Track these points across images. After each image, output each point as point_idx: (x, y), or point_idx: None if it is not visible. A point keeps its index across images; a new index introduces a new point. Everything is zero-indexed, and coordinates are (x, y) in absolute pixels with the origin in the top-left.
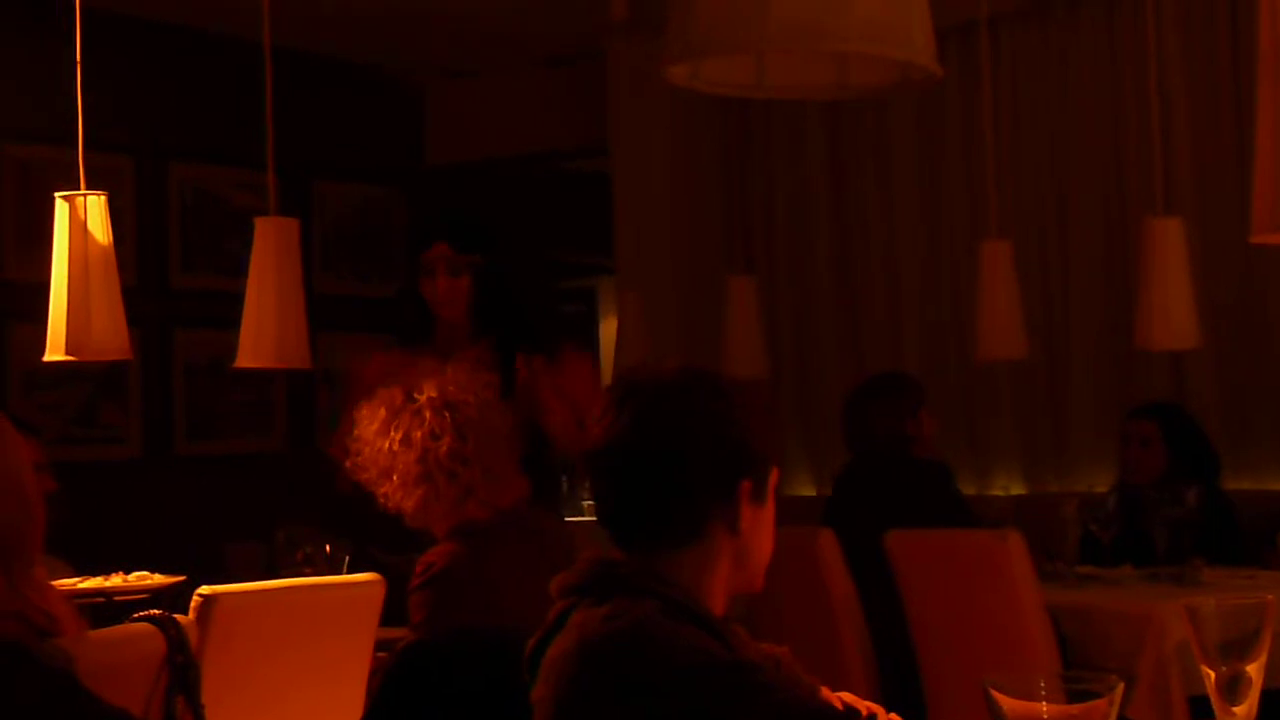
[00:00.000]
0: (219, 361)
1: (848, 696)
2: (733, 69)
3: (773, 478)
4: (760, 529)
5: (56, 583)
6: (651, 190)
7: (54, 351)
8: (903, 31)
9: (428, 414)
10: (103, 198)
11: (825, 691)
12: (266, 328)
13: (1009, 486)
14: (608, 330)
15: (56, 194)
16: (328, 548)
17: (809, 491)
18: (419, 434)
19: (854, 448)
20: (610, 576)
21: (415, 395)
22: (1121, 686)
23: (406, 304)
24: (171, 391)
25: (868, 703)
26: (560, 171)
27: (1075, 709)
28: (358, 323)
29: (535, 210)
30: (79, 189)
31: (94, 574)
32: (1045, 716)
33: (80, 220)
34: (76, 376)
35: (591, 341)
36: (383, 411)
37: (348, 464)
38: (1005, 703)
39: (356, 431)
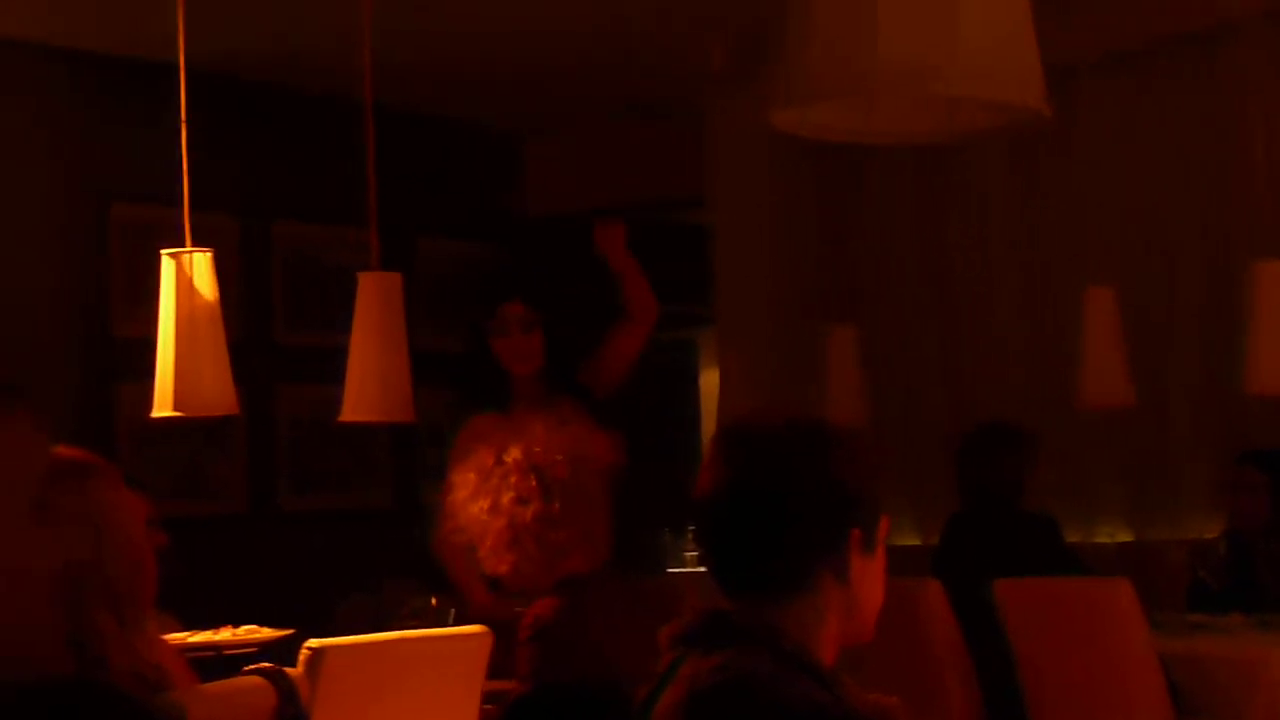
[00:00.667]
0: (322, 416)
1: None
2: (840, 114)
3: (882, 527)
4: (870, 578)
5: (166, 637)
6: (750, 240)
7: (161, 408)
8: (1011, 73)
9: (514, 477)
10: (208, 254)
11: None
12: (370, 382)
13: (1114, 534)
14: (708, 381)
15: (163, 251)
16: (434, 600)
17: (913, 540)
18: (506, 499)
19: (965, 497)
20: (720, 627)
21: (504, 458)
22: None
23: (479, 364)
24: (275, 446)
25: None
26: (659, 224)
27: None
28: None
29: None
30: (184, 247)
31: (202, 628)
32: None
33: (186, 277)
34: (183, 433)
35: (691, 394)
36: (473, 476)
37: (448, 527)
38: None
39: (451, 496)
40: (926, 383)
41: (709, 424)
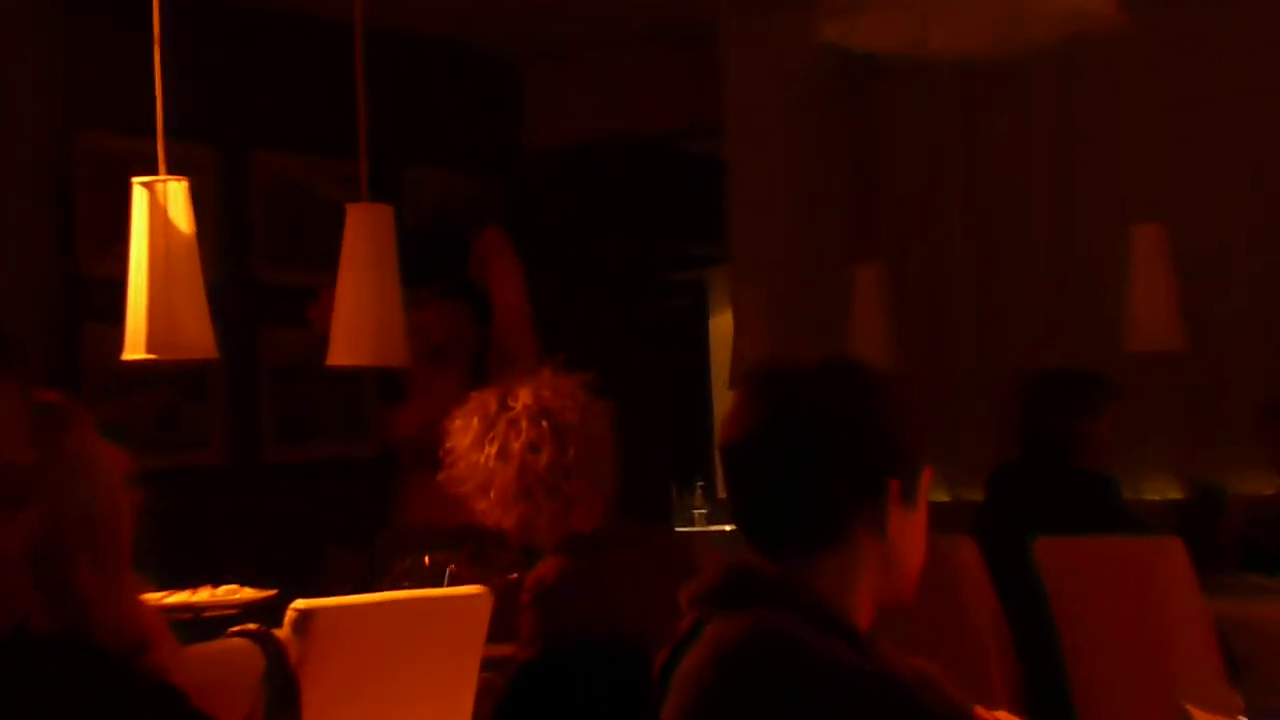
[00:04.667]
0: (307, 361)
1: (1004, 716)
2: (894, 25)
3: (924, 479)
4: (910, 534)
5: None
6: (769, 173)
7: (133, 350)
8: None
9: (524, 423)
10: (184, 184)
11: (980, 711)
12: (361, 323)
13: (1164, 491)
14: (719, 326)
15: (135, 180)
16: (427, 559)
17: (942, 497)
18: (516, 445)
19: (1024, 449)
20: (747, 585)
21: (510, 402)
22: None
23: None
24: (257, 393)
25: None
26: (669, 156)
27: None
28: None
29: (640, 197)
30: (158, 176)
31: (179, 588)
32: None
33: (160, 208)
34: (156, 378)
35: (701, 339)
36: (476, 422)
37: (440, 476)
38: None
39: (450, 443)
40: (958, 328)
41: (719, 372)
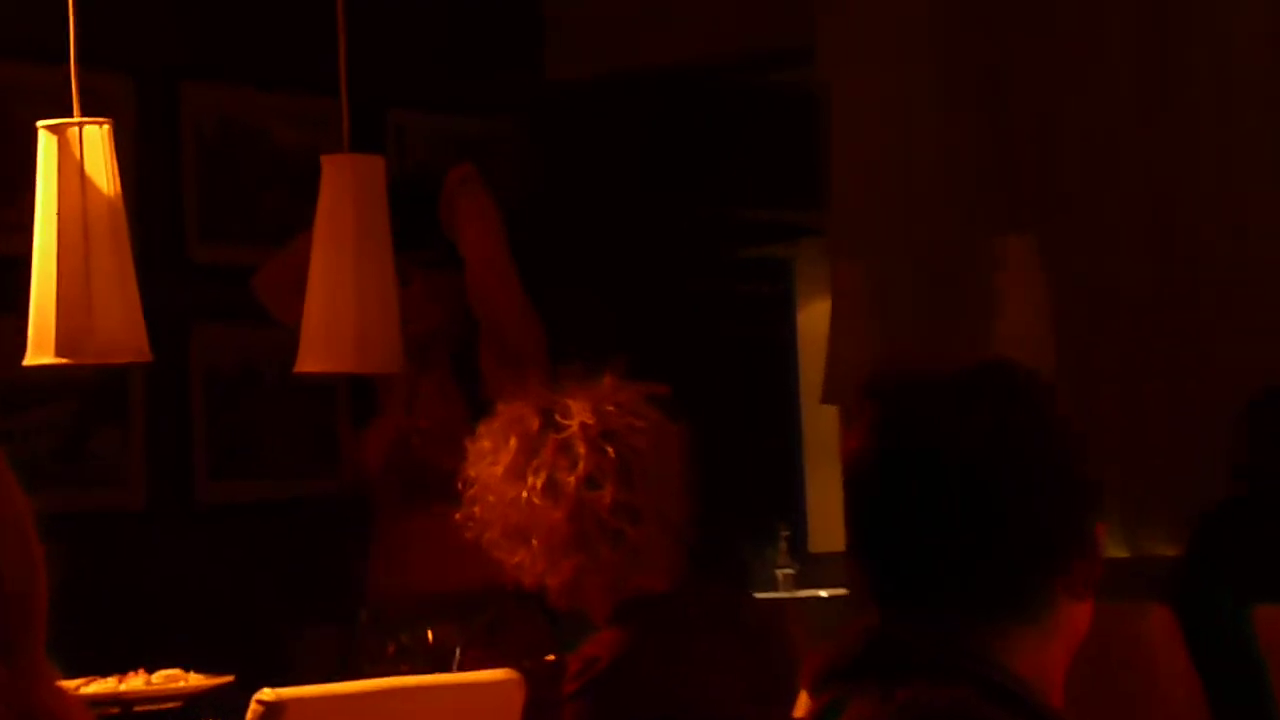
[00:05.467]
0: (257, 367)
1: None
2: None
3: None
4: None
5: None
6: (880, 113)
7: (39, 352)
8: None
9: (581, 448)
10: (105, 127)
11: None
12: (341, 315)
13: None
14: (810, 318)
15: (40, 124)
16: (430, 634)
17: (1119, 552)
18: (571, 478)
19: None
20: (901, 654)
21: (560, 419)
22: None
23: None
24: (189, 411)
25: None
26: (743, 90)
27: None
28: None
29: (704, 147)
30: (70, 116)
31: (101, 673)
32: None
33: (74, 161)
34: (55, 392)
35: (785, 336)
36: (514, 443)
37: (458, 516)
38: None
39: (473, 471)
40: (1139, 320)
41: (809, 381)
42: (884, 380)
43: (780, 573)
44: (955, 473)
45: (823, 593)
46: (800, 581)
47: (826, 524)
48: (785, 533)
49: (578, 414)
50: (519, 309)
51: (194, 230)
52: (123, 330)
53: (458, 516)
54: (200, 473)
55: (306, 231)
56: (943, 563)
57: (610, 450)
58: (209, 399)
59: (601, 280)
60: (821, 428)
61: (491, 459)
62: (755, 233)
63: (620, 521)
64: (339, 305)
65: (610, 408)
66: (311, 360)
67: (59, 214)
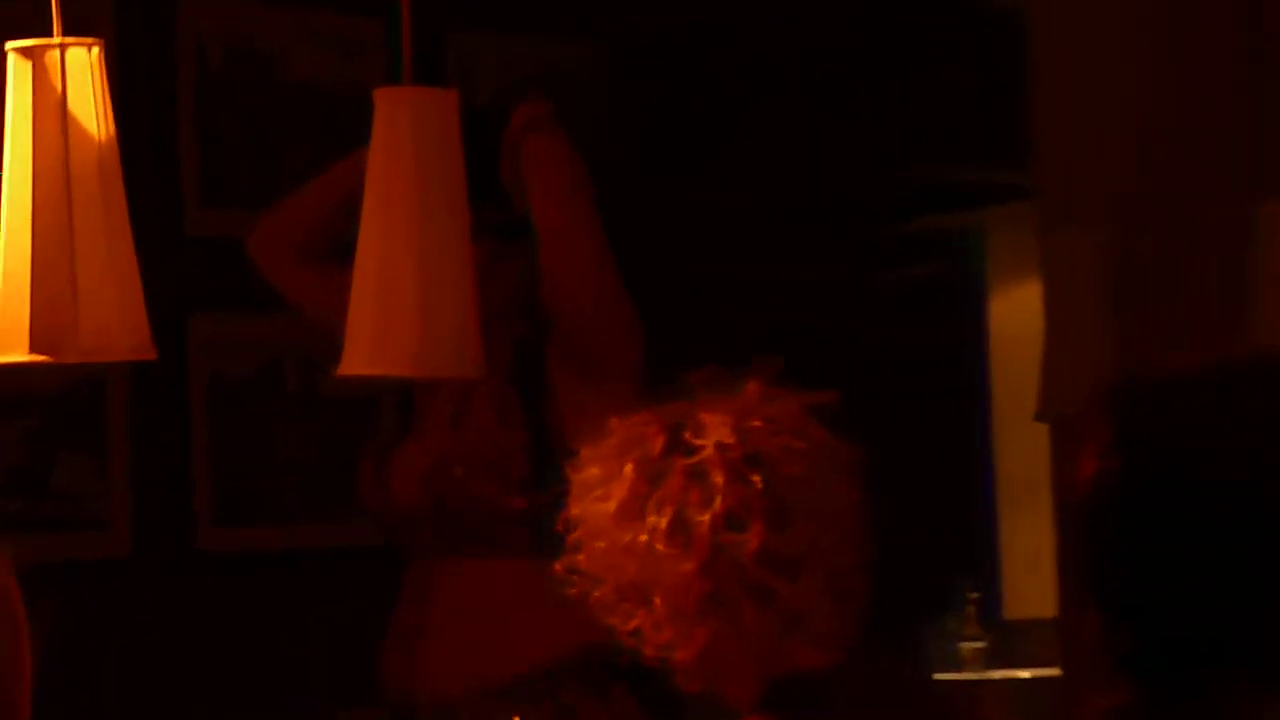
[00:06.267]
0: (277, 371)
1: None
2: None
3: None
4: None
5: None
6: (1103, 39)
7: (7, 348)
8: None
9: (719, 477)
10: (96, 50)
11: None
12: (401, 302)
13: None
14: (1006, 307)
15: (9, 46)
16: None
17: None
18: (705, 518)
19: None
20: None
21: (691, 439)
22: None
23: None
24: (188, 430)
25: None
26: (913, 7)
27: None
28: None
29: (864, 82)
30: (50, 36)
31: None
32: None
33: (54, 94)
34: (18, 403)
35: (976, 327)
36: (630, 469)
37: (558, 567)
38: None
39: (577, 508)
40: None
41: (1006, 386)
42: (1129, 385)
43: (967, 647)
44: (1235, 498)
45: (1024, 673)
46: (993, 658)
47: (1027, 582)
48: (973, 595)
49: (714, 432)
50: (604, 300)
51: (192, 193)
52: (118, 319)
53: (557, 568)
54: (203, 513)
55: (322, 176)
56: (1223, 619)
57: (757, 480)
58: (212, 414)
59: (726, 260)
60: (1022, 454)
61: (601, 492)
62: (932, 197)
63: (771, 575)
64: (397, 288)
65: (757, 423)
66: (360, 360)
67: (34, 165)
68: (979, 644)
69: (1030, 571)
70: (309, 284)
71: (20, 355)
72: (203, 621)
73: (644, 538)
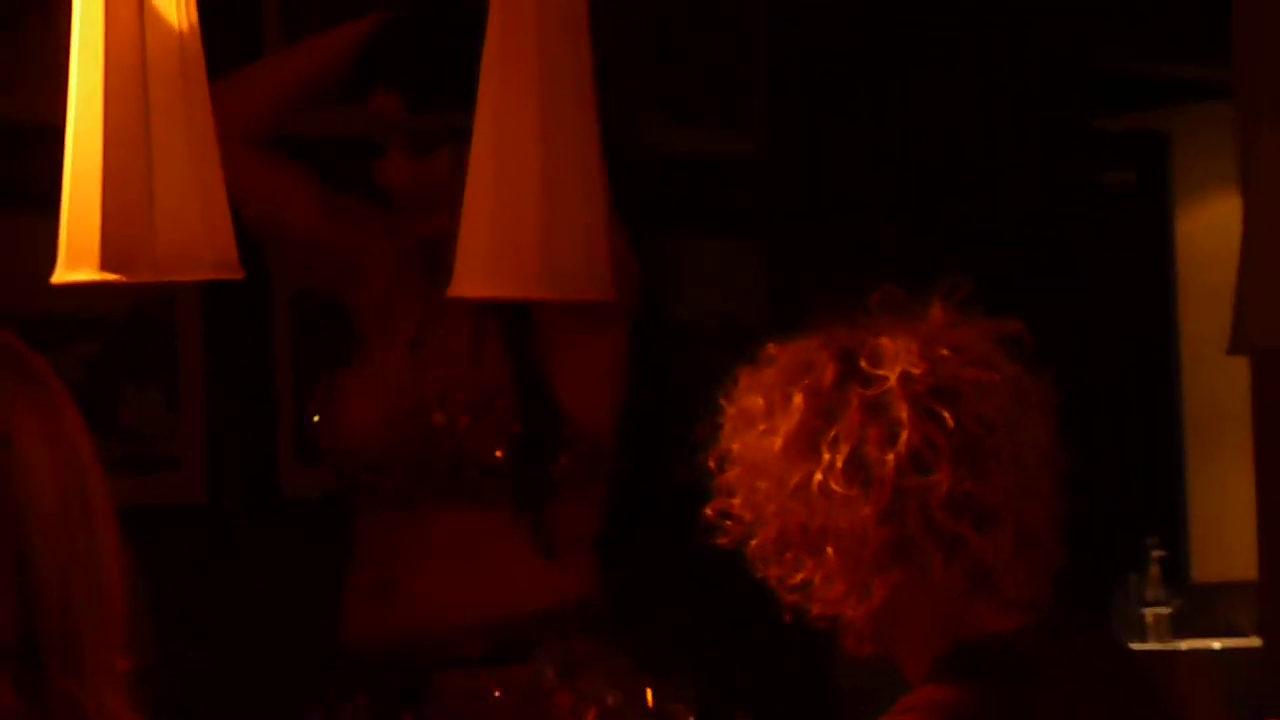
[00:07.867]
0: None
1: None
2: None
3: None
4: None
5: None
6: None
7: (76, 264)
8: None
9: (903, 412)
10: None
11: None
12: (523, 213)
13: None
14: (1196, 224)
15: None
16: (650, 693)
17: None
18: (887, 459)
19: None
20: None
21: (869, 367)
22: None
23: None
24: (270, 363)
25: None
26: None
27: None
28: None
29: None
30: None
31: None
32: None
33: None
34: (82, 327)
35: (1161, 247)
36: (799, 400)
37: (709, 512)
38: None
39: (734, 443)
40: None
41: (1196, 316)
42: None
43: (1150, 612)
44: None
45: (1215, 643)
46: (1179, 626)
47: (1219, 541)
48: (1158, 553)
49: (897, 360)
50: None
51: None
52: (201, 232)
53: (708, 512)
54: (286, 454)
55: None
56: None
57: (948, 416)
58: (299, 339)
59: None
60: (1214, 392)
61: (765, 426)
62: (1111, 94)
63: (961, 523)
64: (518, 196)
65: (945, 352)
66: (474, 281)
67: (106, 55)
68: (1164, 609)
69: (1223, 529)
70: (249, 173)
71: (90, 273)
72: (286, 572)
73: (816, 478)
